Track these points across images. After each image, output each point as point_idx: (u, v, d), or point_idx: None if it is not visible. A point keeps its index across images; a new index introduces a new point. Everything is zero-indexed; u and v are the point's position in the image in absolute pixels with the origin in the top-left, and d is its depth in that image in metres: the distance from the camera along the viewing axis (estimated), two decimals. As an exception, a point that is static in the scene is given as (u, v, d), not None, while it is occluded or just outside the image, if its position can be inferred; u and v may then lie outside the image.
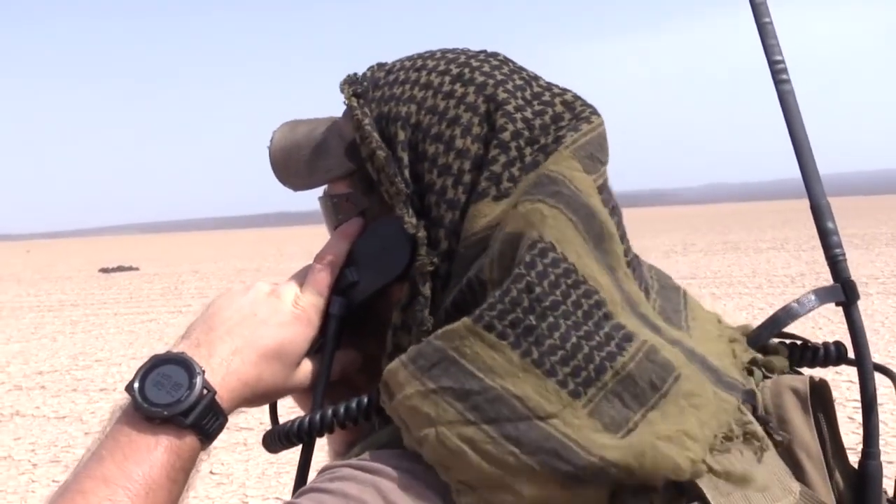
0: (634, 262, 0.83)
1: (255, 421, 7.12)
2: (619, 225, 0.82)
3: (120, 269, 31.72)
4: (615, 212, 0.81)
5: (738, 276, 17.31)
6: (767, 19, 0.90)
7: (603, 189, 0.81)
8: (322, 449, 0.92)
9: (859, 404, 0.84)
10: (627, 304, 0.76)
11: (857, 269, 16.71)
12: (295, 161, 0.91)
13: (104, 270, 31.45)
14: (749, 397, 0.77)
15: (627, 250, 0.81)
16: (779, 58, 0.89)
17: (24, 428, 8.05)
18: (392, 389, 0.75)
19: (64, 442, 7.45)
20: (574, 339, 0.71)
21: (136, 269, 31.70)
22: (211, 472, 6.40)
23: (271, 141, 0.93)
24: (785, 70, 0.89)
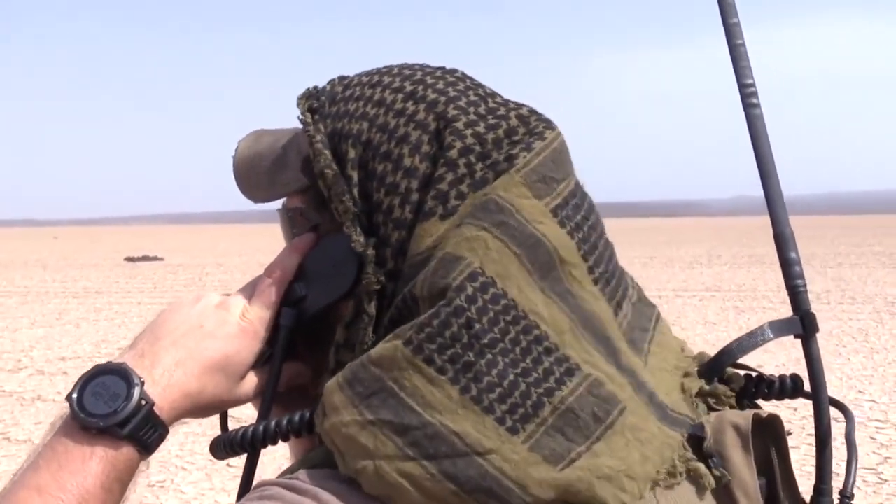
0: (609, 275, 0.81)
1: (273, 415, 7.13)
2: (586, 241, 0.80)
3: (145, 258, 31.96)
4: (579, 228, 0.80)
5: (763, 290, 17.20)
6: (740, 41, 0.88)
7: (561, 208, 0.79)
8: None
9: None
10: (584, 328, 0.76)
11: (884, 289, 16.48)
12: (256, 173, 0.91)
13: (129, 259, 31.69)
14: (698, 430, 0.77)
15: (594, 266, 0.80)
16: (749, 81, 0.88)
17: (45, 413, 8.11)
18: (326, 410, 0.74)
19: (84, 428, 7.51)
20: (511, 377, 0.71)
21: (161, 259, 31.92)
22: (228, 465, 6.43)
23: (236, 150, 0.92)
24: (755, 94, 0.87)
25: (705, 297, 16.05)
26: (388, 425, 0.71)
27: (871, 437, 6.40)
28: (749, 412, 0.81)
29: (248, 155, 0.92)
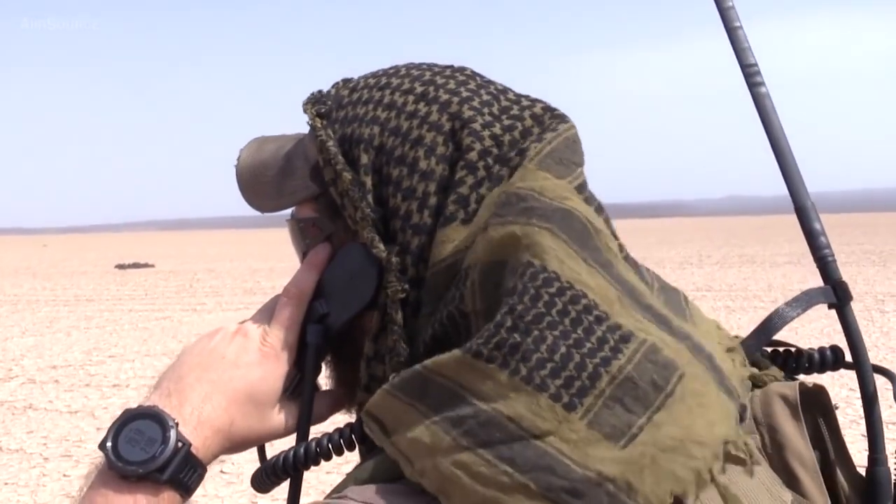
0: (631, 260, 0.79)
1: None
2: (608, 222, 0.79)
3: (136, 265, 31.87)
4: (601, 209, 0.79)
5: (754, 289, 17.25)
6: (738, 24, 0.88)
7: (582, 188, 0.78)
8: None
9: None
10: (630, 297, 0.73)
11: (874, 287, 16.58)
12: (261, 182, 0.88)
13: (120, 266, 31.60)
14: (741, 412, 0.74)
15: (622, 246, 0.79)
16: (752, 61, 0.88)
17: (36, 421, 8.09)
18: (388, 425, 0.72)
19: (76, 436, 7.48)
20: (563, 349, 0.68)
21: (152, 266, 31.84)
22: (221, 472, 6.42)
23: (238, 159, 0.90)
24: (759, 73, 0.88)
25: (696, 297, 16.00)
26: (446, 420, 0.68)
27: (864, 434, 6.41)
28: (795, 382, 0.79)
29: (251, 164, 0.89)
